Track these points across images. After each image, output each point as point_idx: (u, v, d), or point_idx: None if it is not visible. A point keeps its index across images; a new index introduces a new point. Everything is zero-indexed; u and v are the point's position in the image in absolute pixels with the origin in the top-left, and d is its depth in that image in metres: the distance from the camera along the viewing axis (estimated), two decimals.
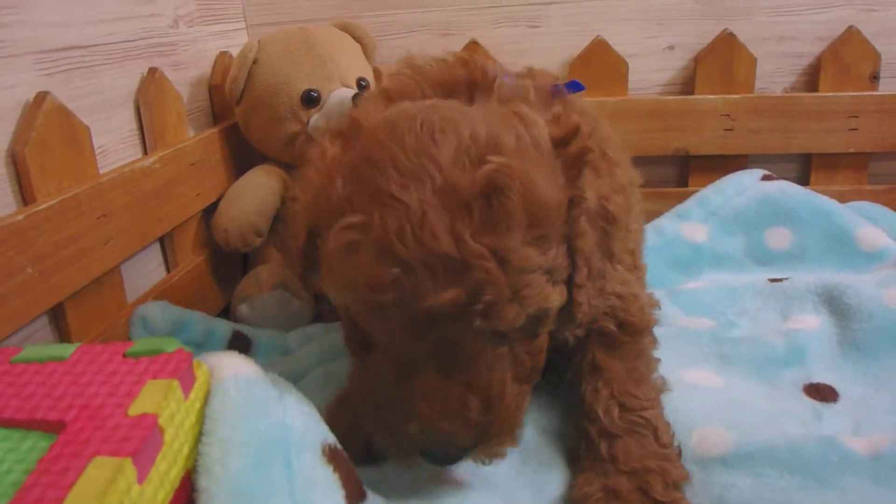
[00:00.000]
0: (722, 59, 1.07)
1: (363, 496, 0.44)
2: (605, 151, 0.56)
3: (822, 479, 0.52)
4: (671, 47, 1.10)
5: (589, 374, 0.60)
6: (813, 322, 0.77)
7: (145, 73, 0.86)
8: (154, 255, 0.88)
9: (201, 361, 0.43)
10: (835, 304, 0.77)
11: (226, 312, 0.96)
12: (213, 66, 1.05)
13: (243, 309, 0.91)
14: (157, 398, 0.36)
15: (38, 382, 0.38)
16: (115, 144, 0.80)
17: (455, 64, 0.59)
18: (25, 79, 0.67)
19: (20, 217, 0.60)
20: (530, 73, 0.70)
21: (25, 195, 0.65)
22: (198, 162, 0.92)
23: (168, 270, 0.90)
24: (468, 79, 0.57)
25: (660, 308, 0.84)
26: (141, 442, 0.32)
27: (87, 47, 0.76)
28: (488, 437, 0.48)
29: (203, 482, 0.35)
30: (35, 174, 0.64)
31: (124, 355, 0.41)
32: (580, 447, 0.57)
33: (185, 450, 0.37)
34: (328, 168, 0.49)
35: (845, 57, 1.04)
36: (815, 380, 0.68)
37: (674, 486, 0.52)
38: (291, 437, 0.39)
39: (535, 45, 1.12)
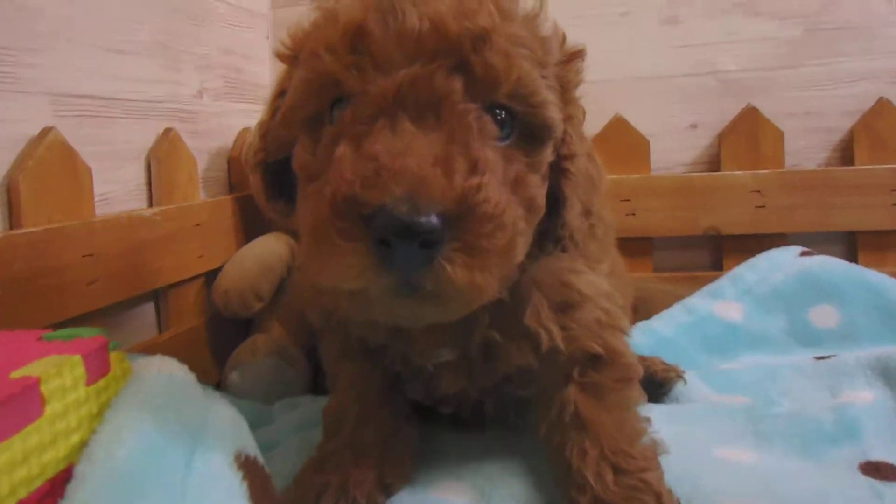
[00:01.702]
0: (747, 135, 1.03)
1: None
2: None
3: None
4: (693, 126, 1.08)
5: (573, 432, 0.51)
6: (867, 396, 0.67)
7: (161, 133, 0.87)
8: (147, 313, 0.85)
9: (126, 358, 0.38)
10: (890, 376, 0.68)
11: (220, 386, 0.90)
12: (235, 140, 1.06)
13: (234, 377, 0.85)
14: (45, 368, 0.30)
15: None
16: (121, 194, 0.80)
17: None
18: (36, 116, 0.68)
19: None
20: None
21: (13, 221, 0.63)
22: (204, 224, 0.91)
23: (160, 330, 0.86)
24: None
25: (685, 382, 0.76)
26: (9, 398, 0.27)
27: (106, 99, 0.78)
28: (472, 219, 0.36)
29: (80, 467, 0.29)
30: (26, 202, 0.63)
31: (39, 338, 0.36)
32: None
33: (75, 438, 0.31)
34: None
35: (879, 129, 0.99)
36: (874, 457, 0.57)
37: None
38: (201, 436, 0.34)
39: None
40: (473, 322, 0.48)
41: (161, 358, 0.38)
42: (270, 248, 0.94)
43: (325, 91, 0.42)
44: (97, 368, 0.34)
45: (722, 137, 1.05)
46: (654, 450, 0.52)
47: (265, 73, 1.18)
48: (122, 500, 0.27)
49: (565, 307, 0.51)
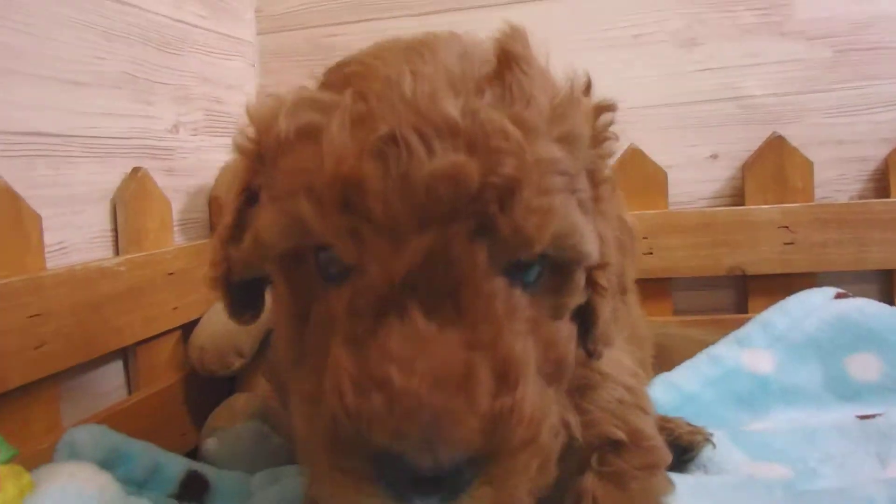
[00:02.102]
0: (773, 166, 0.95)
1: None
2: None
3: None
4: (714, 156, 1.00)
5: None
6: None
7: (128, 172, 0.79)
8: (114, 373, 0.77)
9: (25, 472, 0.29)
10: None
11: (194, 454, 0.82)
12: (218, 178, 0.99)
13: (210, 444, 0.76)
14: None
15: None
16: (80, 243, 0.72)
17: None
18: None
19: None
20: None
21: None
22: (178, 272, 0.83)
23: (130, 392, 0.78)
24: None
25: (714, 446, 0.67)
26: None
27: (62, 136, 0.71)
28: (504, 454, 0.29)
29: None
30: None
31: None
32: None
33: None
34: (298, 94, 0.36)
35: None
36: None
37: None
38: None
39: None
40: None
41: (73, 465, 0.30)
42: None
43: (307, 240, 0.33)
44: None
45: (746, 168, 0.97)
46: None
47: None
48: None
49: (583, 389, 0.44)
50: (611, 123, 0.40)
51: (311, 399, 0.32)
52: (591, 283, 0.39)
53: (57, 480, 0.30)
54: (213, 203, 0.98)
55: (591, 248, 0.35)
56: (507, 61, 0.34)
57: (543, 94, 0.34)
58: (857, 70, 0.94)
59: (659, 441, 0.48)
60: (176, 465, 0.69)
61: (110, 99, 0.78)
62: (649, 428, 0.47)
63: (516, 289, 0.33)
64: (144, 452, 0.67)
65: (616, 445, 0.45)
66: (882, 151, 0.94)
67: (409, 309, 0.30)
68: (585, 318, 0.40)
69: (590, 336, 0.40)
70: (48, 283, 0.63)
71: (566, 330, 0.37)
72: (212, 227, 0.98)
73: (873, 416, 0.69)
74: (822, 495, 0.57)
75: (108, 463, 0.64)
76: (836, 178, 0.96)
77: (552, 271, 0.35)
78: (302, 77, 0.39)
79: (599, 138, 0.39)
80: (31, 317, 0.61)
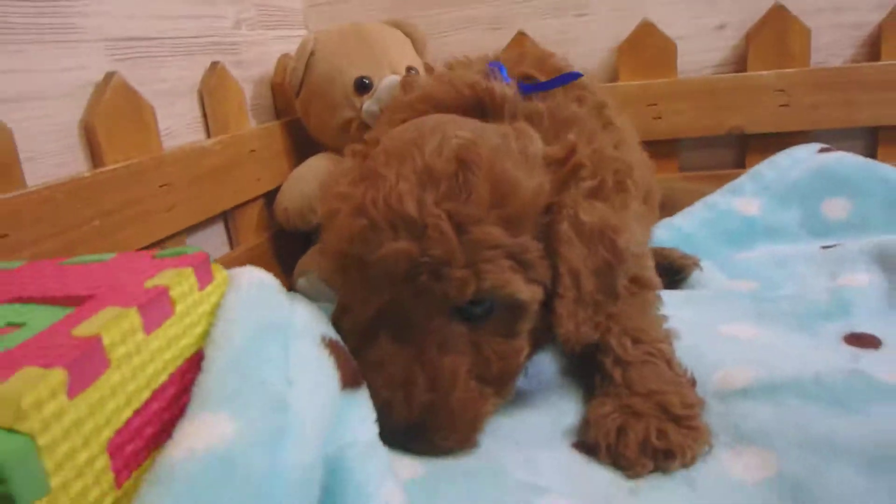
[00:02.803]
0: (774, 34, 1.05)
1: (358, 384, 0.46)
2: (625, 182, 0.59)
3: (847, 405, 0.50)
4: (721, 26, 1.10)
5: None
6: (863, 279, 0.74)
7: (208, 67, 0.94)
8: (218, 233, 0.95)
9: (224, 269, 0.47)
10: (887, 261, 0.74)
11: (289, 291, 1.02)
12: (276, 67, 1.12)
13: (301, 283, 0.96)
14: (170, 278, 0.40)
15: (79, 274, 0.44)
16: (180, 128, 0.88)
17: (463, 87, 0.63)
18: (96, 61, 0.75)
19: (87, 175, 0.68)
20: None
21: (96, 162, 0.72)
22: (258, 150, 0.99)
23: (231, 248, 0.97)
24: (476, 101, 0.62)
25: (701, 270, 0.83)
26: (148, 300, 0.36)
27: (153, 39, 0.84)
28: (432, 425, 0.49)
29: (208, 351, 0.39)
30: (104, 143, 0.72)
31: (153, 256, 0.45)
32: (595, 380, 0.57)
33: (198, 330, 0.41)
34: (344, 173, 0.55)
35: None
36: (858, 330, 0.65)
37: (689, 406, 0.51)
38: (292, 327, 0.43)
39: (582, 33, 1.14)
40: None
41: (250, 268, 0.47)
42: (321, 166, 1.02)
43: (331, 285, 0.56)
44: (204, 277, 0.43)
45: (750, 38, 1.07)
46: (669, 333, 0.61)
47: None
48: (242, 374, 0.37)
49: None
50: (578, 167, 0.53)
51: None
52: (552, 309, 0.52)
53: (244, 276, 0.46)
54: (276, 90, 1.12)
55: (525, 295, 0.50)
56: (460, 165, 0.48)
57: (486, 188, 0.48)
58: None
59: (654, 276, 0.66)
60: None
61: (184, 3, 0.91)
62: (648, 272, 0.65)
63: (457, 323, 0.50)
64: None
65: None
66: (876, 17, 1.03)
67: (380, 336, 0.50)
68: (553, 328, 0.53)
69: (557, 339, 0.53)
70: (169, 160, 0.80)
71: (516, 346, 0.53)
72: (276, 111, 1.13)
73: (834, 246, 0.84)
74: (780, 300, 0.73)
75: None
76: (832, 43, 1.05)
77: (503, 307, 0.51)
78: None
79: (553, 210, 0.51)
80: (161, 186, 0.78)
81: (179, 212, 0.81)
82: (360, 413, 0.44)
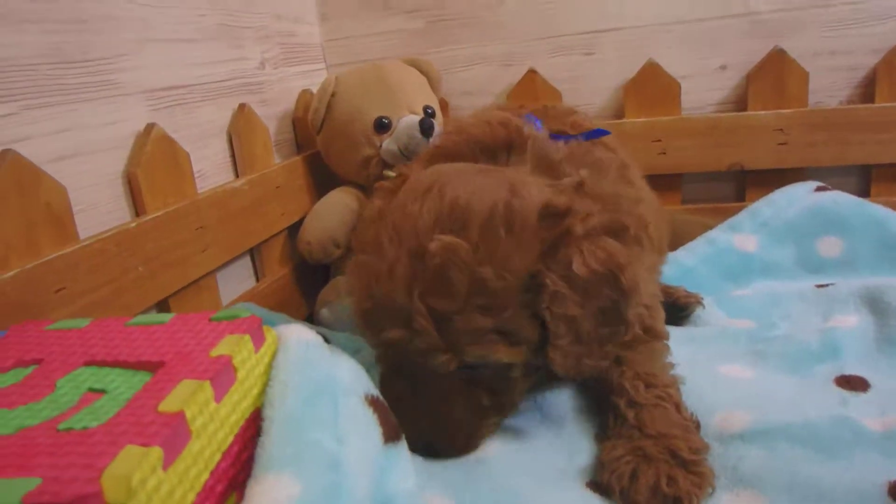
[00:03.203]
0: (774, 76, 1.10)
1: (399, 437, 0.51)
2: (640, 236, 0.65)
3: (832, 451, 0.55)
4: (723, 67, 1.15)
5: (614, 365, 0.66)
6: (852, 321, 0.79)
7: (236, 109, 0.99)
8: (245, 266, 1.01)
9: (272, 329, 0.52)
10: (875, 304, 0.79)
11: (309, 319, 1.07)
12: (297, 102, 1.18)
13: (324, 313, 1.01)
14: (231, 346, 0.45)
15: (145, 338, 0.49)
16: (211, 169, 0.94)
17: (496, 125, 0.69)
18: (137, 113, 0.80)
19: (133, 224, 0.73)
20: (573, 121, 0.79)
21: (138, 209, 0.78)
22: (282, 185, 1.05)
23: (257, 280, 1.02)
24: (507, 139, 0.68)
25: (703, 307, 0.89)
26: (218, 372, 0.42)
27: (187, 86, 0.90)
28: (435, 439, 0.60)
29: (266, 412, 0.44)
30: (145, 191, 0.77)
31: (209, 320, 0.51)
32: (608, 420, 0.63)
33: (255, 391, 0.46)
34: (372, 216, 0.62)
35: None
36: (848, 372, 0.70)
37: (696, 451, 0.56)
38: (338, 385, 0.48)
39: (589, 72, 1.20)
40: None
41: (295, 325, 0.52)
42: (341, 200, 1.08)
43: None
44: (258, 341, 0.48)
45: (750, 78, 1.12)
46: (676, 378, 0.66)
47: (315, 33, 1.28)
48: (299, 435, 0.42)
49: None
50: (564, 234, 0.57)
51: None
52: (546, 355, 0.57)
53: (291, 336, 0.52)
54: (297, 124, 1.17)
55: (508, 358, 0.57)
56: (443, 262, 0.54)
57: (465, 283, 0.54)
58: None
59: (662, 327, 0.72)
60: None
61: (213, 49, 0.96)
62: (657, 323, 0.71)
63: (454, 379, 0.59)
64: (283, 322, 0.91)
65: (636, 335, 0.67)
66: (871, 61, 1.08)
67: (397, 380, 0.61)
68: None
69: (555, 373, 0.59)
70: (203, 204, 0.85)
71: (509, 386, 0.62)
72: (297, 145, 1.18)
73: (827, 286, 0.89)
74: (774, 340, 0.79)
75: None
76: (828, 85, 1.11)
77: (493, 366, 0.59)
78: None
79: (553, 247, 0.56)
80: (196, 229, 0.84)
81: (213, 252, 0.87)
82: (402, 465, 0.50)
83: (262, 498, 0.37)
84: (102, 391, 0.43)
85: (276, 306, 0.99)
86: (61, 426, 0.38)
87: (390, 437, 0.49)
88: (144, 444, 0.34)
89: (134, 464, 0.33)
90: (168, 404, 0.38)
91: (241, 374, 0.45)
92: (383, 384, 0.61)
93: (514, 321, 0.56)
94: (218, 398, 0.42)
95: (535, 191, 0.59)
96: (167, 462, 0.35)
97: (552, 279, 0.55)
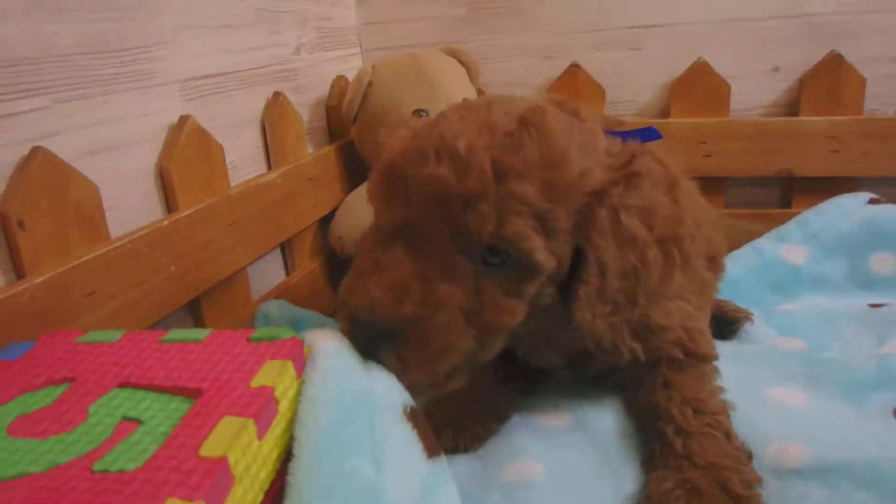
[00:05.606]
0: (829, 81, 1.05)
1: (439, 452, 0.48)
2: (683, 249, 0.56)
3: None
4: (776, 69, 1.09)
5: (661, 389, 0.63)
6: None
7: (270, 97, 0.96)
8: (275, 260, 0.98)
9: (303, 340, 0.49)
10: None
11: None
12: (331, 89, 1.15)
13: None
14: (273, 375, 0.43)
15: (180, 358, 0.47)
16: (243, 160, 0.91)
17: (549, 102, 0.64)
18: (171, 104, 0.77)
19: (165, 223, 0.71)
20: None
21: (170, 204, 0.75)
22: (315, 177, 1.02)
23: (287, 273, 1.00)
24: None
25: (752, 322, 0.85)
26: (260, 407, 0.39)
27: (222, 74, 0.87)
28: (404, 336, 0.49)
29: (297, 432, 0.41)
30: (178, 187, 0.75)
31: (248, 339, 0.48)
32: (655, 447, 0.60)
33: (290, 415, 0.44)
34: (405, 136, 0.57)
35: None
36: None
37: (748, 485, 0.53)
38: (373, 400, 0.45)
39: (635, 68, 1.15)
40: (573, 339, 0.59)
41: (324, 332, 0.49)
42: None
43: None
44: (299, 364, 0.46)
45: (803, 82, 1.06)
46: (726, 405, 0.63)
47: (351, 17, 1.23)
48: (330, 460, 0.39)
49: (645, 332, 0.60)
50: (634, 175, 0.53)
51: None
52: (573, 293, 0.53)
53: (321, 343, 0.49)
54: (331, 112, 1.14)
55: (540, 257, 0.50)
56: (520, 124, 0.50)
57: (538, 150, 0.49)
58: None
59: (710, 349, 0.67)
60: (334, 327, 0.91)
61: (251, 35, 0.93)
62: (704, 346, 0.66)
63: (468, 260, 0.50)
64: (313, 319, 0.89)
65: (677, 359, 0.65)
66: None
67: (396, 247, 0.50)
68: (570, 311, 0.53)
69: (571, 323, 0.53)
70: (236, 199, 0.83)
71: (513, 306, 0.52)
72: (330, 134, 1.15)
73: (881, 306, 0.85)
74: (826, 364, 0.75)
75: (291, 326, 0.87)
76: (886, 92, 1.05)
77: (515, 265, 0.51)
78: None
79: (594, 199, 0.52)
80: (228, 225, 0.81)
81: (244, 248, 0.84)
82: (443, 481, 0.47)
83: None
84: (137, 420, 0.41)
85: (306, 299, 0.97)
86: (96, 466, 0.36)
87: (432, 452, 0.47)
88: (187, 499, 0.32)
89: None
90: (210, 448, 0.36)
91: (283, 406, 0.42)
92: (372, 246, 0.52)
93: (559, 220, 0.50)
94: (260, 435, 0.39)
95: (602, 137, 0.57)
96: None
97: (609, 203, 0.52)
